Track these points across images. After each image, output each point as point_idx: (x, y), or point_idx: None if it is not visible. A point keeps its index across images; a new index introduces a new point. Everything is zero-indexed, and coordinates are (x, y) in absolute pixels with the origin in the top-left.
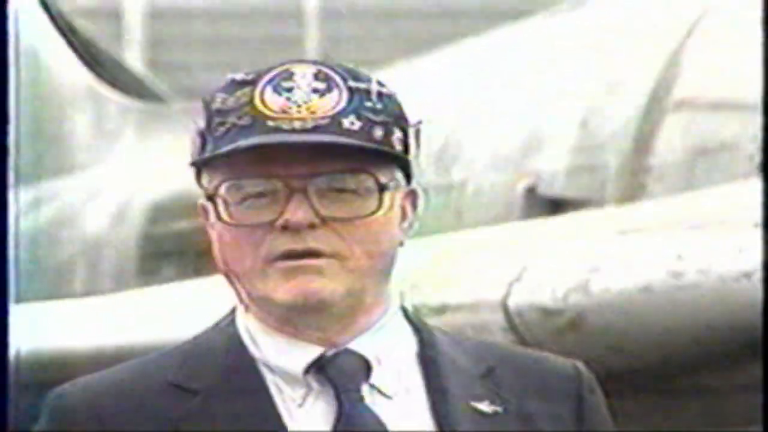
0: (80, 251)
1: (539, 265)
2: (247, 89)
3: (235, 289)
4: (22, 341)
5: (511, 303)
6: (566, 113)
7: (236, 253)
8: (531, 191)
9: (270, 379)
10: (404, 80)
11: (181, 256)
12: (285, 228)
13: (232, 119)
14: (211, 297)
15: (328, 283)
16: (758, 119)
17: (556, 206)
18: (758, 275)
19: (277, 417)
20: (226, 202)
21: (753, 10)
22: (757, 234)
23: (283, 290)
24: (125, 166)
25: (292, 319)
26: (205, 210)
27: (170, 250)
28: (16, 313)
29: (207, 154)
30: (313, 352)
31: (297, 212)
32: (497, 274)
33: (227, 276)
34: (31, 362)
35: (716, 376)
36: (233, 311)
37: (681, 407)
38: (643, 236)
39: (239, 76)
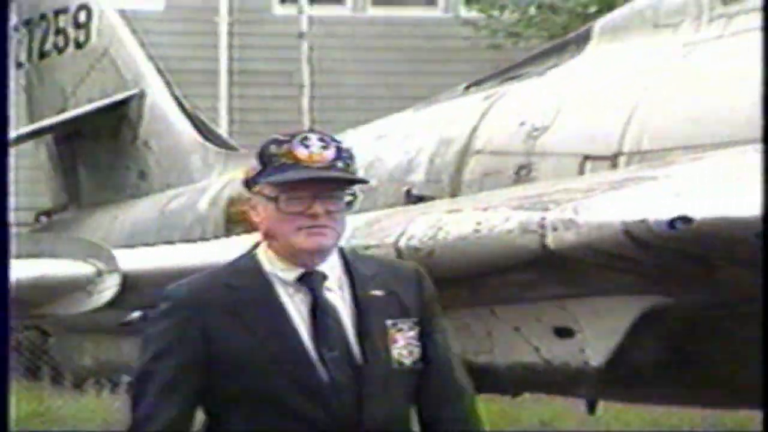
0: (195, 222)
1: (412, 225)
2: (286, 144)
3: (267, 240)
4: (157, 258)
5: (401, 244)
6: (425, 154)
7: (280, 224)
8: (408, 192)
9: (276, 281)
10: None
11: (244, 225)
12: (311, 215)
13: (281, 160)
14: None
15: (327, 240)
16: (487, 158)
17: (420, 199)
18: (516, 232)
19: (279, 301)
20: (278, 201)
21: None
22: (517, 213)
23: (308, 242)
24: (216, 181)
25: (302, 256)
26: (252, 202)
27: (238, 221)
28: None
29: (272, 178)
30: (301, 270)
31: (318, 208)
32: (393, 230)
33: (265, 235)
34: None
35: (500, 279)
36: (253, 250)
37: (481, 293)
38: (461, 213)
39: (281, 137)
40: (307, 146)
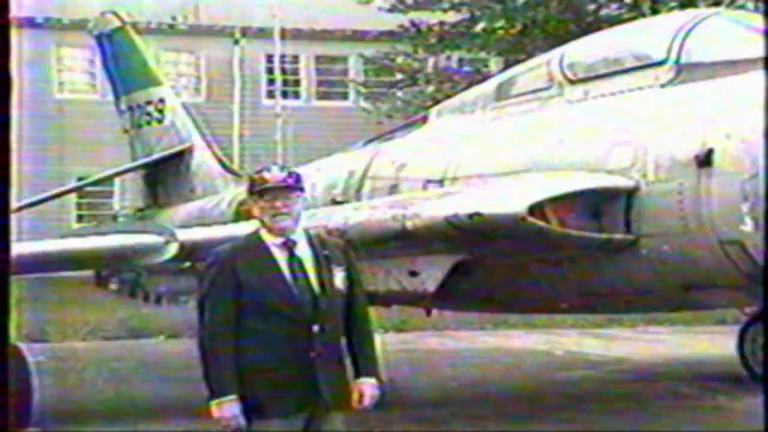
0: (219, 215)
1: (334, 216)
2: (261, 173)
3: (260, 222)
4: (198, 234)
5: (328, 226)
6: (342, 178)
7: (263, 215)
8: (333, 199)
9: (270, 245)
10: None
11: (245, 217)
12: (275, 208)
13: (258, 181)
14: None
15: (287, 222)
16: (375, 181)
17: (339, 203)
18: (389, 220)
19: (271, 255)
20: (259, 203)
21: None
22: (390, 210)
23: (277, 224)
24: (230, 193)
25: (277, 231)
26: (249, 203)
27: (242, 215)
28: None
29: (258, 190)
30: (283, 238)
31: (278, 204)
32: (324, 219)
33: (260, 222)
34: (194, 245)
35: (381, 246)
36: (258, 229)
37: (372, 253)
38: (360, 210)
39: (259, 169)
40: (269, 171)
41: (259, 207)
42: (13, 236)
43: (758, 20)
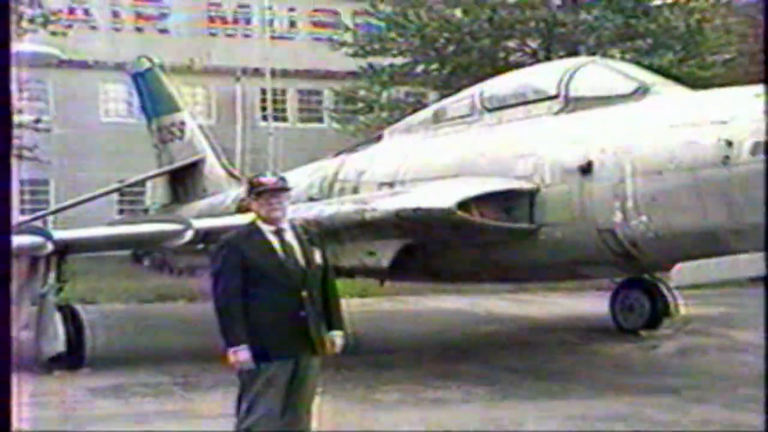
0: (224, 209)
1: (311, 210)
2: (258, 177)
3: (257, 215)
4: (209, 223)
5: (307, 217)
6: (317, 181)
7: (261, 209)
8: (310, 198)
9: (266, 232)
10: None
11: (244, 211)
12: (271, 203)
13: (258, 184)
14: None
15: (279, 213)
16: (342, 184)
17: (315, 200)
18: (352, 213)
19: (267, 239)
20: (258, 200)
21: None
22: (353, 205)
23: (272, 215)
24: (233, 192)
25: (271, 221)
26: (248, 202)
27: (241, 209)
28: None
29: (255, 191)
30: (275, 227)
31: (273, 200)
32: (303, 212)
33: (257, 215)
34: (206, 232)
35: (346, 233)
36: (254, 221)
37: (340, 239)
38: (331, 205)
39: (257, 175)
40: (265, 177)
41: (258, 203)
42: (70, 225)
43: (624, 66)
